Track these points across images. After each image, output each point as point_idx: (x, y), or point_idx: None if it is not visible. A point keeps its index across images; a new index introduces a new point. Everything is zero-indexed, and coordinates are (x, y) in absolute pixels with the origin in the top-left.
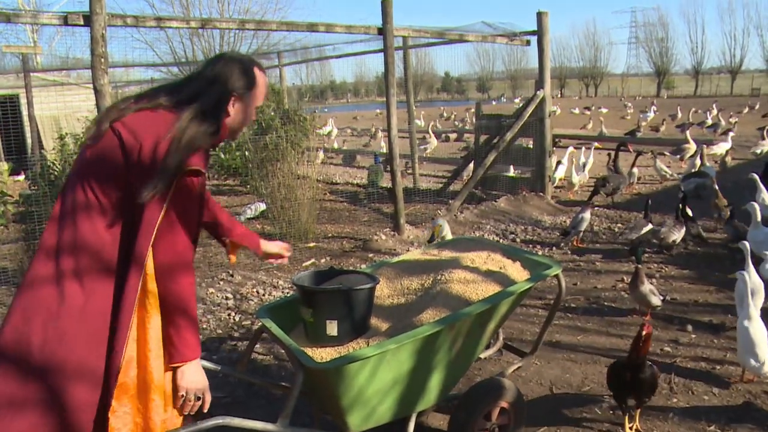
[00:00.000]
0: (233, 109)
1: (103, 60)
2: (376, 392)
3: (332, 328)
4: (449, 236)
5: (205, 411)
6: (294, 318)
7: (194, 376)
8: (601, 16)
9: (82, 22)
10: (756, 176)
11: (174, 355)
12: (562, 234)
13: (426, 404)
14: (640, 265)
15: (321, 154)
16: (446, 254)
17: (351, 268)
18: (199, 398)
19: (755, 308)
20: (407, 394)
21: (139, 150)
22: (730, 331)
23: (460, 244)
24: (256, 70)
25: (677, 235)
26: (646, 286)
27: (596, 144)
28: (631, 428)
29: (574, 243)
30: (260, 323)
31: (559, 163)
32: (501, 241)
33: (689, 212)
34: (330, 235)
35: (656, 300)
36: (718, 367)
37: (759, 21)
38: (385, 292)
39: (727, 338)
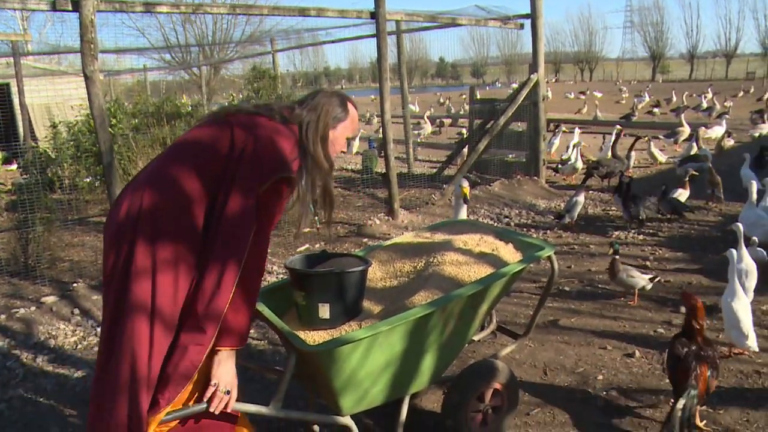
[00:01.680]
0: (332, 134)
1: (92, 46)
2: (369, 374)
3: (324, 311)
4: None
5: (229, 410)
6: (287, 301)
7: (229, 368)
8: (596, 1)
9: (70, 8)
10: (753, 183)
11: (224, 337)
12: (557, 217)
13: (419, 386)
14: (617, 256)
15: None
16: (439, 237)
17: (344, 252)
18: (228, 392)
19: (742, 286)
20: (400, 376)
21: (244, 146)
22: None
23: (453, 226)
24: (350, 105)
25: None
26: (623, 274)
27: (618, 127)
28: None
29: (569, 226)
30: None
31: (574, 146)
32: (495, 224)
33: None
34: (324, 220)
35: (641, 282)
36: None
37: (754, 4)
38: (377, 274)
39: (720, 319)
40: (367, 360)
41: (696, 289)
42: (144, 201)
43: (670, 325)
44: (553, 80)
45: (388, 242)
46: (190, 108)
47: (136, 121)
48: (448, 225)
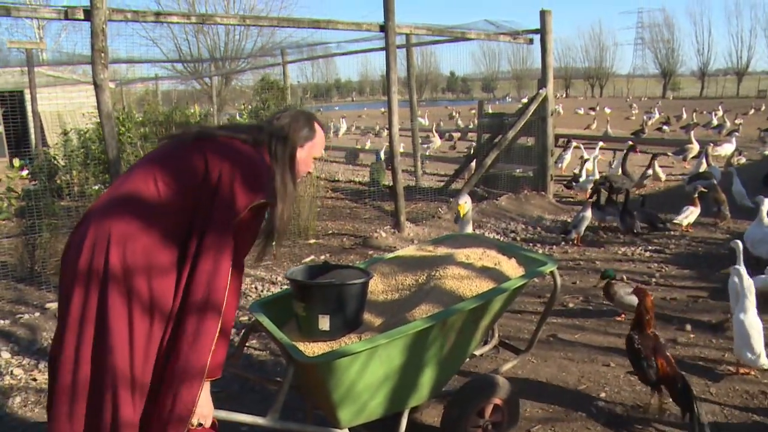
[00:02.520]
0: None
1: (103, 54)
2: (367, 387)
3: (324, 323)
4: (470, 215)
5: None
6: (288, 313)
7: (204, 400)
8: (606, 17)
9: (82, 17)
10: (763, 199)
11: None
12: (563, 233)
13: (418, 400)
14: (612, 281)
15: (323, 152)
16: (441, 250)
17: (346, 263)
18: (200, 425)
19: (750, 302)
20: (399, 390)
21: (220, 174)
22: (729, 331)
23: (456, 240)
24: (316, 124)
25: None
26: (620, 295)
27: (630, 143)
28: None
29: (575, 242)
30: (254, 318)
31: (585, 159)
32: (501, 239)
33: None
34: (330, 231)
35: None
36: (717, 367)
37: (766, 22)
38: (379, 287)
39: (726, 338)
40: (366, 372)
41: (702, 306)
42: (113, 233)
43: (675, 342)
44: (564, 96)
45: (391, 255)
46: (199, 118)
47: (146, 129)
48: (452, 239)
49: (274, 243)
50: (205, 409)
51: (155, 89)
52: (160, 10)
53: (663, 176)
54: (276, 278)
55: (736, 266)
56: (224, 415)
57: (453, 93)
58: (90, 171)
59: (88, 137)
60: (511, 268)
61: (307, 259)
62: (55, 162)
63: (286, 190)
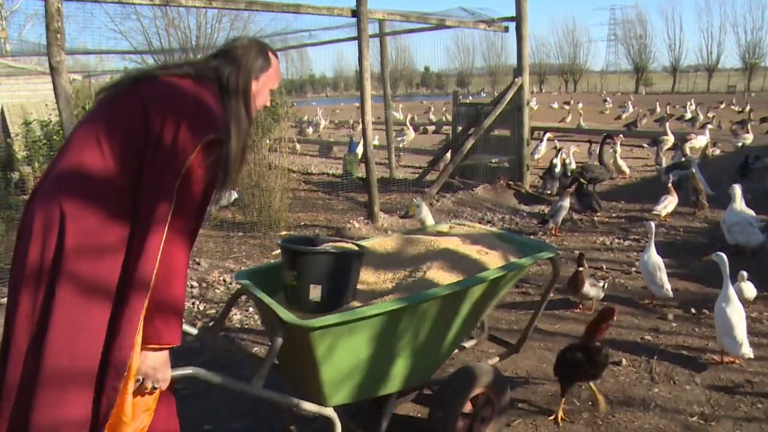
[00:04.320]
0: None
1: (59, 36)
2: (354, 362)
3: (316, 293)
4: (430, 221)
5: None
6: (273, 285)
7: (159, 362)
8: (580, 14)
9: None
10: (737, 187)
11: (152, 336)
12: (540, 222)
13: (403, 384)
14: (581, 269)
15: (298, 145)
16: (435, 237)
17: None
18: (155, 388)
19: (731, 291)
20: (384, 369)
21: (163, 118)
22: (711, 320)
23: (453, 228)
24: (271, 54)
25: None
26: (586, 287)
27: (621, 136)
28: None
29: (552, 231)
30: (238, 286)
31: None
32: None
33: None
34: (303, 223)
35: (597, 292)
36: (701, 357)
37: (735, 18)
38: (369, 273)
39: (709, 326)
40: (354, 345)
41: (683, 295)
42: (65, 212)
43: (657, 332)
44: (538, 91)
45: (379, 240)
46: None
47: None
48: (448, 227)
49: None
50: (159, 373)
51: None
52: None
53: (627, 169)
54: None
55: (719, 253)
56: (209, 375)
57: (427, 88)
58: None
59: (51, 128)
60: (506, 256)
61: (277, 251)
62: (14, 153)
63: (240, 124)
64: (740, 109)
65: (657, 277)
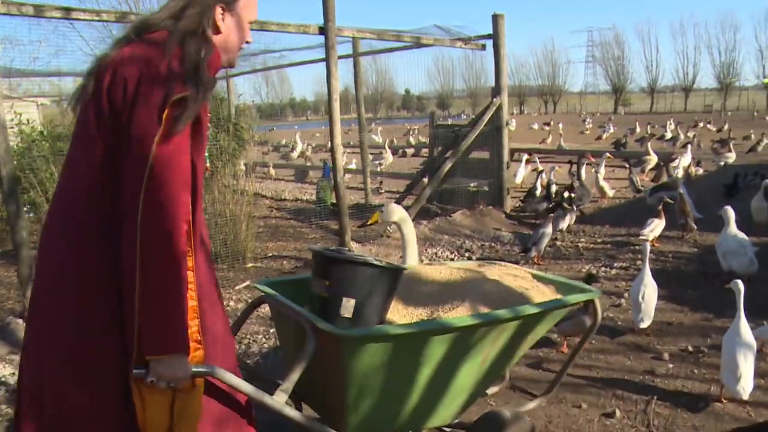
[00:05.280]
0: (223, 24)
1: None
2: (382, 387)
3: (348, 308)
4: (397, 216)
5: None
6: (293, 299)
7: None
8: (558, 36)
9: None
10: (729, 209)
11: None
12: (522, 251)
13: (427, 421)
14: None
15: (273, 170)
16: (470, 268)
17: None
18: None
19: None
20: (411, 402)
21: (124, 89)
22: (711, 358)
23: (477, 265)
24: None
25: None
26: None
27: (608, 155)
28: None
29: (535, 260)
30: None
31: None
32: (455, 258)
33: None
34: (271, 254)
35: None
36: (703, 403)
37: (709, 40)
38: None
39: (709, 367)
40: (388, 368)
41: (678, 329)
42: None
43: (653, 374)
44: (518, 112)
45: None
46: None
47: (63, 144)
48: (475, 265)
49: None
50: (176, 370)
51: None
52: (69, 6)
53: (610, 192)
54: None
55: (737, 281)
56: (227, 377)
57: (408, 111)
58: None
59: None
60: (549, 293)
61: (242, 285)
62: None
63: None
64: (717, 128)
65: (649, 307)
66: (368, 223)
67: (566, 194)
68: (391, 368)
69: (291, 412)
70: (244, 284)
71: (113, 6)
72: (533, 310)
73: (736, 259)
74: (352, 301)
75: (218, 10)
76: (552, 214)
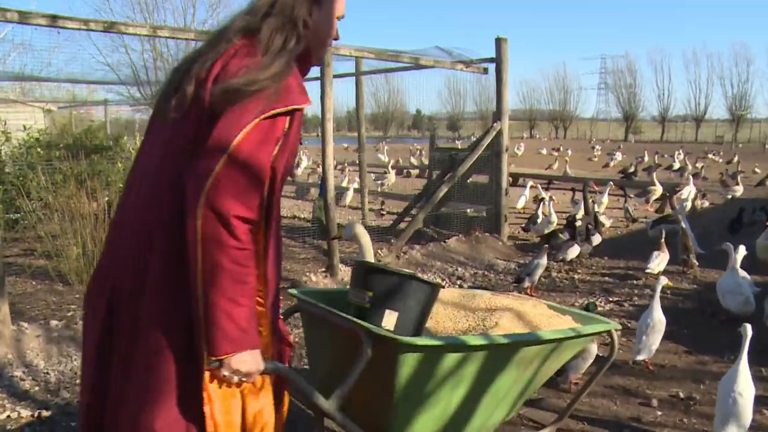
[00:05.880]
0: (311, 19)
1: None
2: (423, 401)
3: (391, 320)
4: (363, 238)
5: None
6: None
7: (248, 357)
8: (570, 61)
9: None
10: (741, 248)
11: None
12: (515, 281)
13: None
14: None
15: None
16: (492, 296)
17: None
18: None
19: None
20: (445, 419)
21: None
22: (703, 406)
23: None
24: None
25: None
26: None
27: (611, 184)
28: None
29: (528, 291)
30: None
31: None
32: (446, 285)
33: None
34: None
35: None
36: None
37: (722, 72)
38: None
39: (699, 416)
40: (432, 380)
41: (669, 372)
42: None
43: (639, 422)
44: (528, 136)
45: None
46: (110, 143)
47: (58, 153)
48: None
49: None
50: (250, 366)
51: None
52: (56, 14)
53: (607, 222)
54: None
55: (746, 324)
56: (293, 375)
57: (419, 131)
58: None
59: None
60: (568, 323)
61: None
62: None
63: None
64: (727, 161)
65: (651, 342)
66: (332, 237)
67: (579, 224)
68: (435, 380)
69: (343, 418)
70: None
71: (128, 16)
72: (572, 334)
73: (733, 299)
74: (396, 314)
75: (308, 5)
76: (546, 245)
